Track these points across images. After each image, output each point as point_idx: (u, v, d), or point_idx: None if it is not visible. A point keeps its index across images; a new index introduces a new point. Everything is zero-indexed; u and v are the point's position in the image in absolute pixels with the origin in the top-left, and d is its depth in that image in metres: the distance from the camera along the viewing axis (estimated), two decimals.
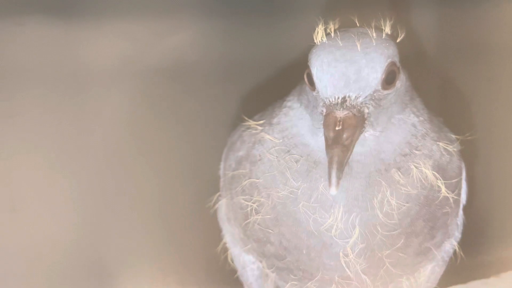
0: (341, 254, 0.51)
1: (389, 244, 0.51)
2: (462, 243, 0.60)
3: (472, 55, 0.69)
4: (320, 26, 0.49)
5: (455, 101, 0.70)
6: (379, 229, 0.50)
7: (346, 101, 0.47)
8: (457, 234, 0.59)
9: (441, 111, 0.59)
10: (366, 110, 0.48)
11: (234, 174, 0.56)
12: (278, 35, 0.67)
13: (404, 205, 0.50)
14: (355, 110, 0.47)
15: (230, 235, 0.60)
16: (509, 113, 0.72)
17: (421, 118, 0.53)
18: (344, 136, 0.46)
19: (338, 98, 0.47)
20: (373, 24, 0.50)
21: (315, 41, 0.50)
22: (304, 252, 0.52)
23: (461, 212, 0.59)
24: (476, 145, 0.66)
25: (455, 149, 0.54)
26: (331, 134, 0.46)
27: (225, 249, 0.62)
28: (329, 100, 0.47)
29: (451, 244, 0.58)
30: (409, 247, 0.52)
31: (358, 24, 0.52)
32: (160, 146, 0.66)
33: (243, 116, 0.58)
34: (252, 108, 0.60)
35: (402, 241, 0.51)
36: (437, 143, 0.53)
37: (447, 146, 0.53)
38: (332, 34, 0.49)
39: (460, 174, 0.55)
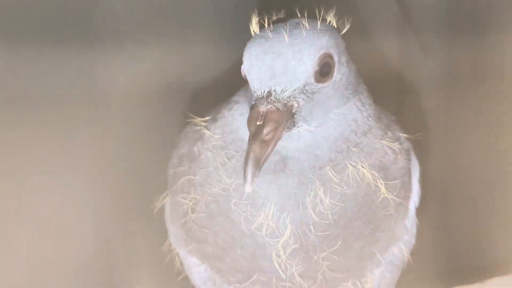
0: (273, 255, 0.49)
1: (324, 246, 0.49)
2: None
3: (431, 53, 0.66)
4: (253, 17, 0.48)
5: (411, 100, 0.67)
6: (312, 229, 0.48)
7: (271, 95, 0.45)
8: (407, 238, 0.56)
9: (398, 111, 0.56)
10: (295, 104, 0.45)
11: (176, 172, 0.55)
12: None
13: (338, 205, 0.48)
14: (280, 104, 0.45)
15: (174, 236, 0.58)
16: (467, 114, 0.69)
17: (365, 114, 0.50)
18: (264, 131, 0.43)
19: (264, 91, 0.45)
20: (305, 14, 0.48)
21: (251, 33, 0.48)
22: (239, 252, 0.50)
23: (413, 214, 0.56)
24: (432, 145, 0.63)
25: (398, 146, 0.51)
26: (252, 129, 0.44)
27: (170, 250, 0.60)
28: (257, 94, 0.45)
29: (399, 248, 0.55)
30: (348, 250, 0.50)
31: (299, 15, 0.50)
32: (110, 142, 0.64)
33: (189, 113, 0.57)
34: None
35: (340, 243, 0.49)
36: (381, 141, 0.50)
37: (391, 145, 0.51)
38: (266, 26, 0.48)
39: (406, 174, 0.52)
